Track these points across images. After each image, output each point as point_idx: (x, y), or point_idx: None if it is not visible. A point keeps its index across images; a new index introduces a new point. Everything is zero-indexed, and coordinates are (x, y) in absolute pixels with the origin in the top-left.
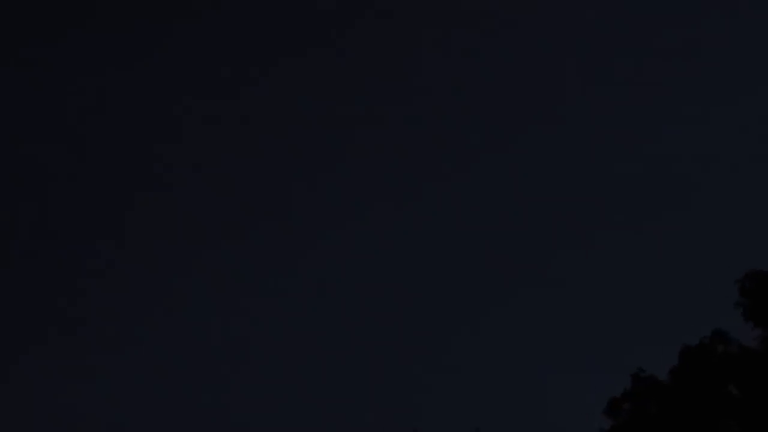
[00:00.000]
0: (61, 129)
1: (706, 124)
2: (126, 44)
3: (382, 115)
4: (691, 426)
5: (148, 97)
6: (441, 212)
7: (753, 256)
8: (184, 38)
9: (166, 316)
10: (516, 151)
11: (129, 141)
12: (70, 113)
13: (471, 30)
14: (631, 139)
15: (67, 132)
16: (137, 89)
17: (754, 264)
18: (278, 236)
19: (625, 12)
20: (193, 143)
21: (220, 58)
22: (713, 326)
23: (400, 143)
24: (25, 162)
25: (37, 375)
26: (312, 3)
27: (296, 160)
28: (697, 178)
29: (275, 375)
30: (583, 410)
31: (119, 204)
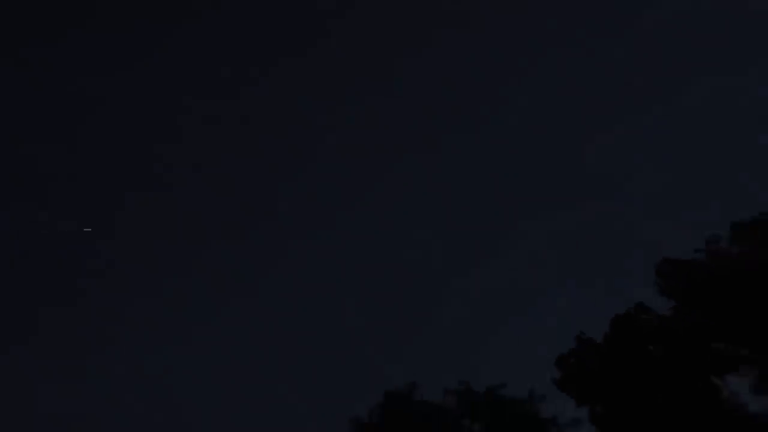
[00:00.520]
0: (61, 129)
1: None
2: (126, 44)
3: (375, 114)
4: (620, 377)
5: (148, 96)
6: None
7: (668, 246)
8: (184, 38)
9: (166, 316)
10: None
11: (129, 141)
12: (70, 113)
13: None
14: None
15: (67, 132)
16: (137, 89)
17: (669, 252)
18: (278, 236)
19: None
20: (193, 143)
21: (220, 58)
22: (637, 300)
23: (392, 143)
24: (25, 162)
25: (37, 375)
26: (311, 3)
27: (295, 159)
28: (626, 176)
29: (274, 375)
30: (540, 364)
31: (118, 204)
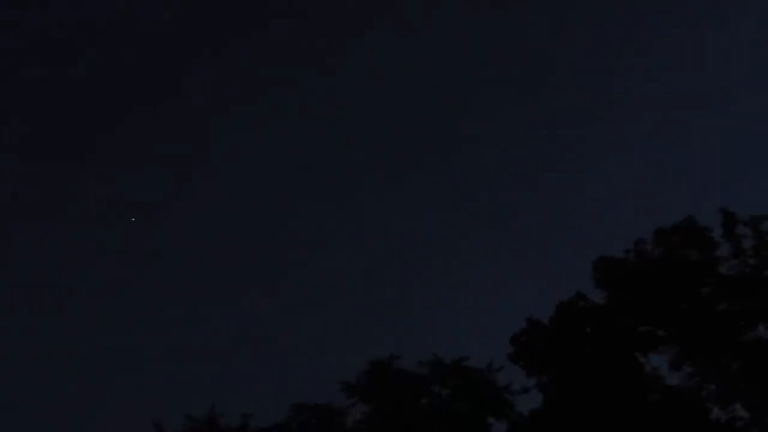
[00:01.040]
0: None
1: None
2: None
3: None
4: (562, 353)
5: (148, 95)
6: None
7: (607, 244)
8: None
9: (163, 316)
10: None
11: (128, 140)
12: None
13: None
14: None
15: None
16: (137, 86)
17: (604, 251)
18: (276, 235)
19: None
20: (193, 142)
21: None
22: (577, 290)
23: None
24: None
25: (37, 374)
26: None
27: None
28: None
29: (274, 374)
30: (497, 341)
31: (119, 203)
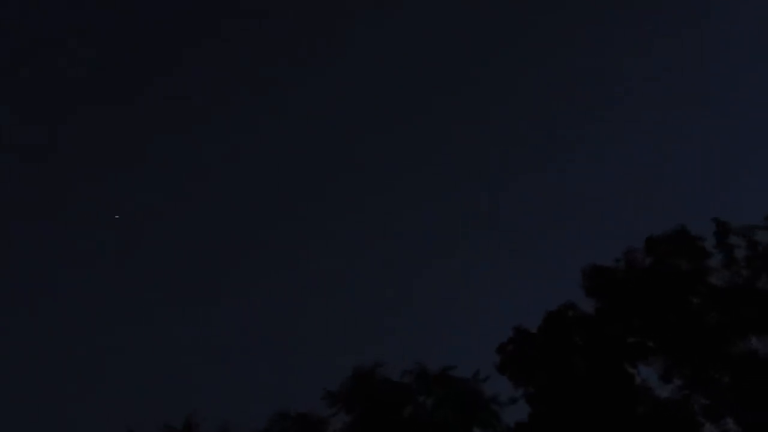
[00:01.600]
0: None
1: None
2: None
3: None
4: (550, 363)
5: (148, 95)
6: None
7: (596, 252)
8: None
9: (166, 318)
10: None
11: (128, 140)
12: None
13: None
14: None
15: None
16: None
17: (594, 259)
18: (276, 236)
19: None
20: (193, 142)
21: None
22: (566, 299)
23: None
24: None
25: (37, 374)
26: None
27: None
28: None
29: (272, 374)
30: (484, 350)
31: (118, 204)
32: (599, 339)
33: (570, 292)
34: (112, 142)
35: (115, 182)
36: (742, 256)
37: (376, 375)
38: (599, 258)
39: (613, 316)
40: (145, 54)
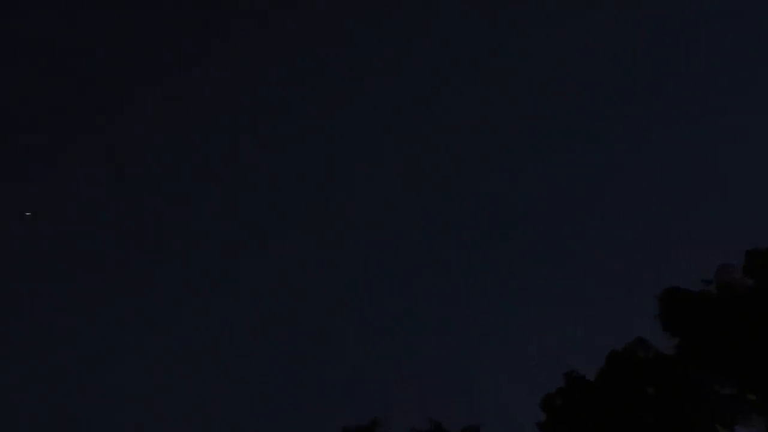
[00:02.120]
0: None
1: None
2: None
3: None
4: (614, 421)
5: (148, 95)
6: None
7: (670, 275)
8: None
9: (166, 317)
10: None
11: (128, 140)
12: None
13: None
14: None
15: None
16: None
17: (669, 281)
18: (275, 235)
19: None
20: (192, 142)
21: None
22: (634, 334)
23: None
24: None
25: (38, 374)
26: None
27: (287, 156)
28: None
29: (272, 374)
30: (521, 404)
31: (118, 204)
32: (679, 388)
33: (639, 325)
34: (113, 143)
35: (114, 182)
36: None
37: None
38: (676, 280)
39: (699, 356)
40: (145, 54)
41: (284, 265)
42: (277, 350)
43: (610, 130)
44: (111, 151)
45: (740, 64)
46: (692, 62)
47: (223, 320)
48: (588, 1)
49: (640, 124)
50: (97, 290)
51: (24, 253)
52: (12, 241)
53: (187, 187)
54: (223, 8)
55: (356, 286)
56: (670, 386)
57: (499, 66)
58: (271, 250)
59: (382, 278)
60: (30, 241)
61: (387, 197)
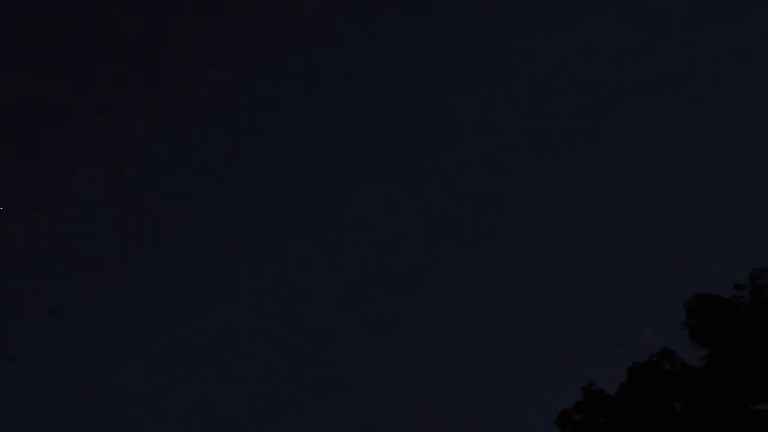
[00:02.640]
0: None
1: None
2: None
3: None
4: None
5: (147, 95)
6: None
7: (697, 281)
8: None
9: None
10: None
11: (128, 140)
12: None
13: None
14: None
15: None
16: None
17: (699, 288)
18: (275, 236)
19: None
20: (192, 142)
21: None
22: (659, 345)
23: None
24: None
25: (37, 374)
26: None
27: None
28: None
29: (273, 375)
30: (536, 420)
31: (117, 205)
32: (710, 406)
33: (665, 336)
34: (112, 143)
35: (113, 182)
36: None
37: None
38: (676, 280)
39: (732, 370)
40: (145, 54)
41: (284, 265)
42: (277, 350)
43: (612, 130)
44: (111, 151)
45: (744, 65)
46: (694, 62)
47: (223, 320)
48: (590, 2)
49: (642, 124)
50: (97, 290)
51: (24, 253)
52: (12, 241)
53: (187, 187)
54: (225, 8)
55: (356, 286)
56: (699, 402)
57: (500, 66)
58: (271, 250)
59: (382, 278)
60: (30, 241)
61: (387, 197)
